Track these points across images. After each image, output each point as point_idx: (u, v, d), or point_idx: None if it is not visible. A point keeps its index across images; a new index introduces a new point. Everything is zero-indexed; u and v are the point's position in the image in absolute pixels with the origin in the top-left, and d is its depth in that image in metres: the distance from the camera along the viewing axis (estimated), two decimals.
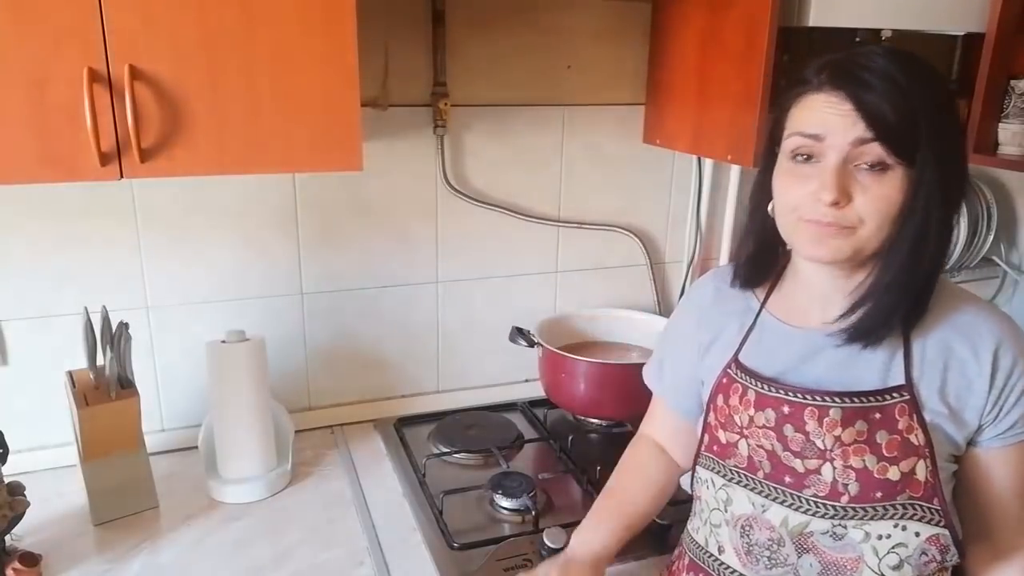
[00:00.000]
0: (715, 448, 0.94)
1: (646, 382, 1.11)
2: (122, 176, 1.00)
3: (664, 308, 1.77)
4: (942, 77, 0.83)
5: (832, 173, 0.78)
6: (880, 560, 0.83)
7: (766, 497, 0.88)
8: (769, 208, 0.89)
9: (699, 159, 1.69)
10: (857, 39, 1.38)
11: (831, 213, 0.79)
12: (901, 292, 0.82)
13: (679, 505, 1.22)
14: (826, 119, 0.79)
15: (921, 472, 0.83)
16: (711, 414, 0.95)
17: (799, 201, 0.82)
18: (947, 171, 0.79)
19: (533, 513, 1.22)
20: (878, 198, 0.78)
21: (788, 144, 0.83)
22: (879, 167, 0.78)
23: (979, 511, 0.89)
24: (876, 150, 0.77)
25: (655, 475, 1.08)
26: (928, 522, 0.83)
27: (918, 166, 0.78)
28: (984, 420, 0.85)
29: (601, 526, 1.03)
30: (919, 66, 0.80)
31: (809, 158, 0.81)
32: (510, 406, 1.63)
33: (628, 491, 1.07)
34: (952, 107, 0.83)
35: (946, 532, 0.83)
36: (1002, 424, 0.85)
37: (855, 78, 0.78)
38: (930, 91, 0.79)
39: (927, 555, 0.83)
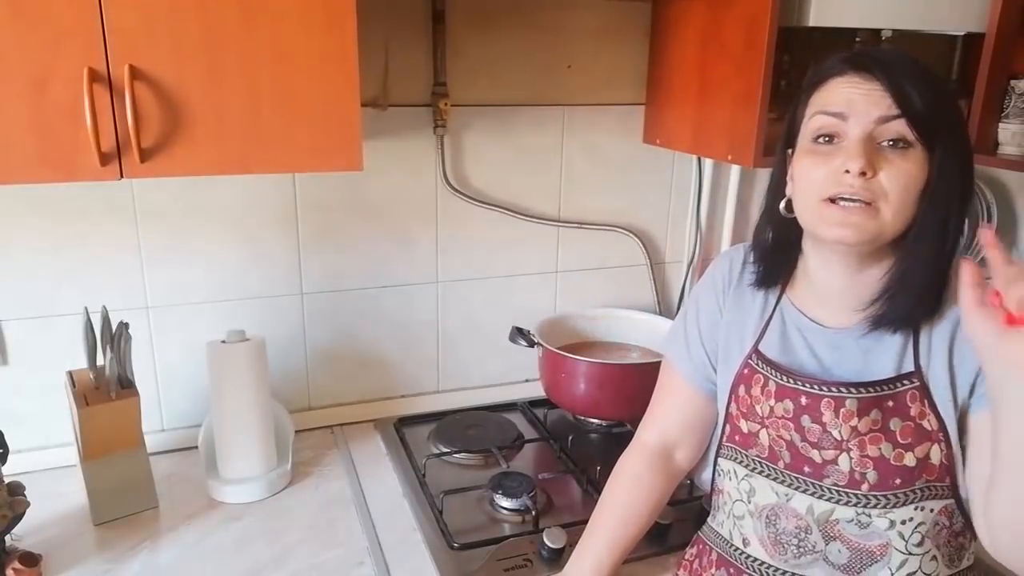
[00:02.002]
0: (737, 438, 0.96)
1: (672, 359, 1.05)
2: (122, 176, 1.00)
3: (664, 308, 1.78)
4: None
5: (858, 144, 0.79)
6: (906, 542, 0.85)
7: (788, 486, 0.89)
8: (781, 206, 0.89)
9: (699, 159, 1.69)
10: (857, 39, 1.38)
11: (857, 184, 0.79)
12: (930, 277, 0.83)
13: (679, 505, 1.23)
14: (850, 98, 0.81)
15: (936, 456, 0.84)
16: (732, 404, 0.96)
17: (822, 181, 0.82)
18: (963, 160, 0.81)
19: (533, 513, 1.22)
20: (903, 172, 0.79)
21: (811, 124, 0.84)
22: (901, 144, 0.79)
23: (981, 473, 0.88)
24: (899, 127, 0.79)
25: (650, 491, 1.03)
26: (939, 497, 0.85)
27: (938, 150, 0.79)
28: (976, 384, 0.83)
29: (595, 549, 1.01)
30: (930, 68, 0.82)
31: (831, 139, 0.82)
32: (510, 406, 1.63)
33: (621, 511, 1.03)
34: (959, 106, 0.86)
35: (952, 501, 0.85)
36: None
37: (880, 61, 0.81)
38: (945, 85, 0.83)
39: (939, 524, 0.86)
